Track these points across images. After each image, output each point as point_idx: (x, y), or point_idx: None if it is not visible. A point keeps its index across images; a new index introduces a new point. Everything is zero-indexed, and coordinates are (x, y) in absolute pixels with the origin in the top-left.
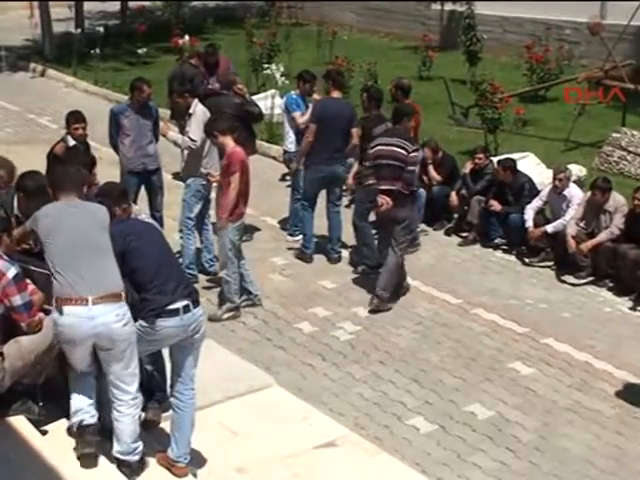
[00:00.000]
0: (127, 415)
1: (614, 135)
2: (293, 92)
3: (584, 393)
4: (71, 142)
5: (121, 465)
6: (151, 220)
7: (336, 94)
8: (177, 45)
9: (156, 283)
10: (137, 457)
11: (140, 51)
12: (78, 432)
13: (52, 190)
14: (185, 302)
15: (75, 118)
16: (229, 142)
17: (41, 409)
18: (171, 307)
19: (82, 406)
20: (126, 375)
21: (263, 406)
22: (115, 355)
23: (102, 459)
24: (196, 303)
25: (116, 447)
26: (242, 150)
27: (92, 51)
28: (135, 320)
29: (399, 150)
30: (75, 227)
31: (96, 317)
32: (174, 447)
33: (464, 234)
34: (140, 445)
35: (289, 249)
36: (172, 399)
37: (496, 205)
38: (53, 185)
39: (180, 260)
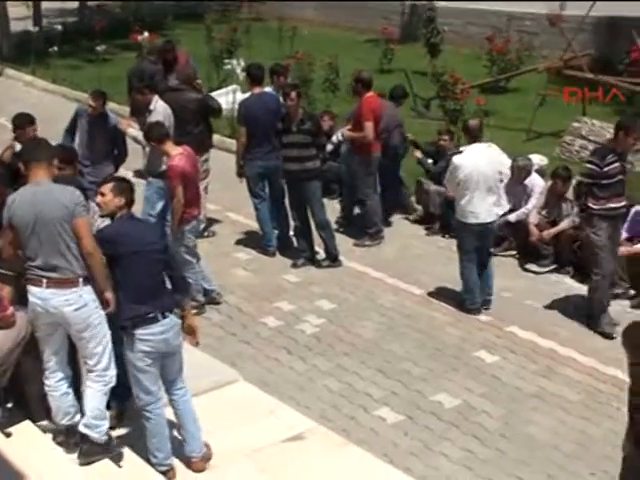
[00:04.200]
0: (91, 388)
1: (575, 124)
2: (268, 88)
3: (549, 379)
4: (18, 147)
5: (82, 439)
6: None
7: (257, 90)
8: (136, 42)
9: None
10: (98, 436)
11: (99, 48)
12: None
13: (24, 166)
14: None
15: (20, 121)
16: (169, 149)
17: (4, 411)
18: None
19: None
20: (88, 354)
21: (229, 401)
22: (74, 334)
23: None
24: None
25: (82, 420)
26: (182, 156)
27: (50, 49)
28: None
29: None
30: (37, 210)
31: (48, 299)
32: (185, 445)
33: (428, 225)
34: (104, 426)
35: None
36: (168, 401)
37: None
38: (25, 162)
39: None
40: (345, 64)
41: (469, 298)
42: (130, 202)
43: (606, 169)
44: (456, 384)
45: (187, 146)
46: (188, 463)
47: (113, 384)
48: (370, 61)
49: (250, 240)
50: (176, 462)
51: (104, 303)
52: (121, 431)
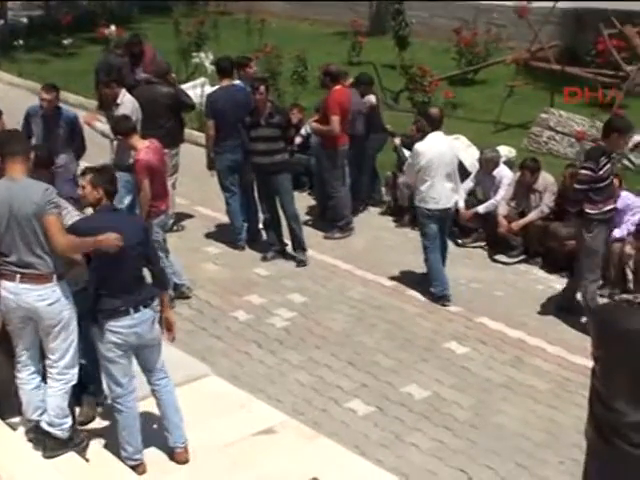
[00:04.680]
0: (52, 388)
1: (542, 116)
2: (238, 82)
3: (518, 370)
4: None
5: (46, 435)
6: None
7: (225, 82)
8: (103, 35)
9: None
10: (61, 433)
11: (65, 42)
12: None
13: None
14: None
15: None
16: (136, 142)
17: None
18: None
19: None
20: (53, 348)
21: (200, 396)
22: (44, 329)
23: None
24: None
25: (44, 417)
26: (149, 149)
27: (16, 43)
28: None
29: None
30: (11, 206)
31: (21, 294)
32: (168, 436)
33: (397, 217)
34: (66, 423)
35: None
36: (151, 391)
37: None
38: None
39: None
40: (313, 57)
41: (438, 285)
42: (111, 193)
43: (601, 172)
44: (426, 375)
45: (157, 140)
46: (171, 454)
47: (74, 382)
48: (339, 54)
49: (220, 234)
50: (154, 455)
51: None
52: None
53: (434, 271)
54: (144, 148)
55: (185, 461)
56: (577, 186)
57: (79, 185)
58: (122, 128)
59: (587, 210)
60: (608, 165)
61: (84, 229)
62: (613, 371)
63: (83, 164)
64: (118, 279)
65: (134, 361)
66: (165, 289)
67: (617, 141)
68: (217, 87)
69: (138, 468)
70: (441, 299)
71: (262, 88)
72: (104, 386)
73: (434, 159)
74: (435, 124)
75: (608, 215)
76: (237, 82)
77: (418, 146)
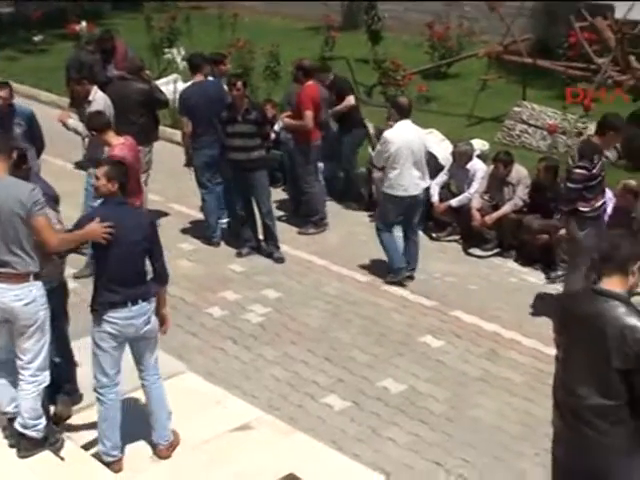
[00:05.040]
0: (24, 390)
1: (515, 109)
2: (211, 78)
3: (493, 362)
4: None
5: (20, 436)
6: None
7: (198, 78)
8: (74, 32)
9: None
10: (36, 434)
11: (36, 38)
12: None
13: None
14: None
15: None
16: (110, 138)
17: None
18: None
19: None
20: (26, 349)
21: (176, 393)
22: (18, 329)
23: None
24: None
25: (18, 419)
26: (124, 146)
27: None
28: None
29: None
30: None
31: None
32: (152, 432)
33: (372, 212)
34: (40, 424)
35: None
36: (141, 386)
37: None
38: None
39: (85, 249)
40: (286, 52)
41: (395, 265)
42: (124, 186)
43: (594, 171)
44: (402, 369)
45: (130, 137)
46: (154, 450)
47: (47, 383)
48: (311, 49)
49: (194, 230)
50: (132, 451)
51: None
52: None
53: (391, 252)
54: (119, 144)
55: (167, 457)
56: (571, 185)
57: (94, 176)
58: (96, 124)
59: (581, 208)
60: (600, 162)
61: (88, 221)
62: (573, 356)
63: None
64: (119, 273)
65: (124, 356)
66: (164, 284)
67: (612, 139)
68: (190, 83)
69: (114, 465)
70: (396, 282)
71: (239, 84)
72: (94, 377)
73: (403, 147)
74: (404, 113)
75: (599, 211)
76: (210, 78)
77: (387, 134)
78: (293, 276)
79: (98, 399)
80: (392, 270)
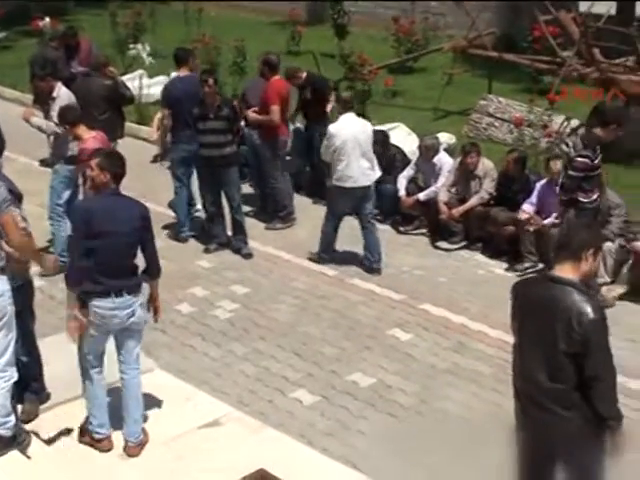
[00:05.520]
0: None
1: (481, 102)
2: (175, 73)
3: (461, 355)
4: None
5: None
6: None
7: (183, 72)
8: (37, 28)
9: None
10: (5, 432)
11: None
12: None
13: None
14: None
15: None
16: (82, 132)
17: None
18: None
19: None
20: None
21: (145, 390)
22: None
23: None
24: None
25: None
26: (95, 139)
27: None
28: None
29: None
30: None
31: None
32: (124, 427)
33: None
34: (11, 421)
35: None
36: (120, 380)
37: None
38: None
39: (52, 248)
40: (252, 47)
41: (324, 249)
42: (119, 176)
43: (596, 161)
44: (371, 363)
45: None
46: (124, 446)
47: (15, 379)
48: (277, 43)
49: (161, 227)
50: None
51: None
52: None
53: (326, 237)
54: (90, 138)
55: (136, 455)
56: (573, 173)
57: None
58: (69, 117)
59: (581, 199)
60: (600, 155)
61: (80, 212)
62: (527, 341)
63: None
64: (105, 264)
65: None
66: (156, 277)
67: (614, 132)
68: (174, 76)
69: (104, 442)
70: (323, 261)
71: (211, 81)
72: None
73: (348, 140)
74: (347, 107)
75: (595, 204)
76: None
77: (332, 128)
78: (261, 271)
79: (84, 379)
80: (318, 252)
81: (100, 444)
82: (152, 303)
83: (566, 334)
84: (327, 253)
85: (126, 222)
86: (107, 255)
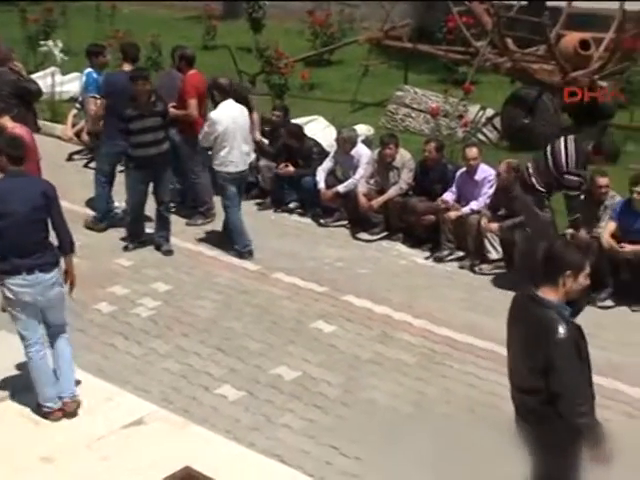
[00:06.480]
0: None
1: (398, 93)
2: (90, 69)
3: (385, 345)
4: None
5: None
6: None
7: (127, 67)
8: None
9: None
10: None
11: None
12: None
13: None
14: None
15: None
16: (6, 122)
17: None
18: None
19: None
20: None
21: None
22: None
23: None
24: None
25: None
26: (21, 129)
27: None
28: None
29: None
30: None
31: None
32: (59, 387)
33: (260, 200)
34: None
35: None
36: (49, 344)
37: (287, 169)
38: None
39: None
40: (168, 42)
41: (242, 241)
42: (15, 158)
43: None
44: (295, 356)
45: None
46: (59, 407)
47: None
48: (193, 38)
49: (78, 226)
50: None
51: None
52: None
53: (237, 229)
54: (16, 127)
55: (74, 411)
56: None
57: None
58: None
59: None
60: None
61: None
62: (511, 354)
63: None
64: (13, 243)
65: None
66: (69, 253)
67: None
68: (118, 70)
69: (53, 414)
70: (246, 254)
71: (143, 78)
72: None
73: (229, 126)
74: (226, 93)
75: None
76: (88, 70)
77: (213, 114)
78: (182, 268)
79: (25, 355)
80: (240, 244)
81: (51, 415)
82: (67, 278)
83: (535, 351)
84: (246, 240)
85: (28, 201)
86: (13, 235)
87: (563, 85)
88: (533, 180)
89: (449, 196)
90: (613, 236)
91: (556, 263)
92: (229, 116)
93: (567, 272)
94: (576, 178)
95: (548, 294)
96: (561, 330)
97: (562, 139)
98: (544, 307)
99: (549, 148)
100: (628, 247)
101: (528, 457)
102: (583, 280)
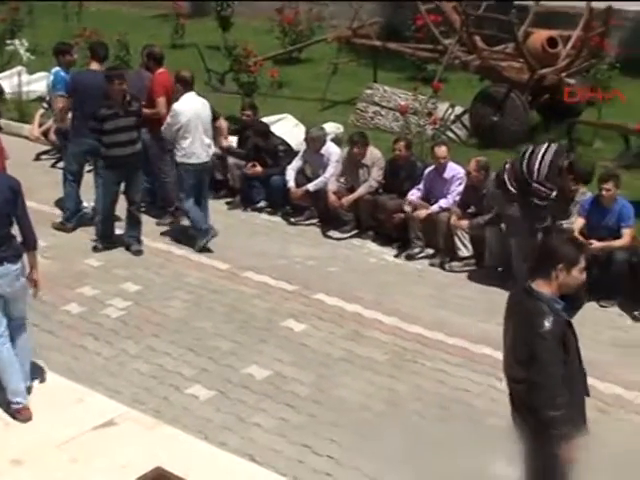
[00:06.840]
0: None
1: (367, 91)
2: (58, 68)
3: (356, 343)
4: None
5: None
6: None
7: (95, 66)
8: None
9: None
10: None
11: None
12: None
13: None
14: None
15: None
16: None
17: None
18: None
19: None
20: None
21: (35, 393)
22: None
23: None
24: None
25: None
26: None
27: None
28: None
29: None
30: None
31: None
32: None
33: (229, 199)
34: None
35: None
36: (8, 336)
37: (255, 169)
38: None
39: None
40: (135, 40)
41: (202, 234)
42: None
43: None
44: (266, 355)
45: None
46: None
47: None
48: (161, 36)
49: (46, 226)
50: None
51: None
52: None
53: (196, 221)
54: None
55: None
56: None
57: None
58: None
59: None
60: None
61: None
62: (505, 345)
63: None
64: None
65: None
66: (32, 249)
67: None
68: (85, 69)
69: (21, 412)
70: (205, 249)
71: (118, 80)
72: None
73: (192, 118)
74: (188, 85)
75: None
76: (56, 69)
77: (176, 106)
78: (152, 268)
79: None
80: (200, 233)
81: (20, 414)
82: (30, 275)
83: (522, 342)
84: (206, 229)
85: None
86: None
87: (531, 83)
88: (505, 177)
89: (415, 194)
90: (581, 233)
91: (549, 256)
92: (192, 108)
93: (559, 265)
94: (543, 189)
95: (542, 287)
96: (546, 323)
97: (544, 146)
98: (536, 299)
99: (529, 150)
100: (596, 243)
101: (522, 447)
102: (578, 274)
